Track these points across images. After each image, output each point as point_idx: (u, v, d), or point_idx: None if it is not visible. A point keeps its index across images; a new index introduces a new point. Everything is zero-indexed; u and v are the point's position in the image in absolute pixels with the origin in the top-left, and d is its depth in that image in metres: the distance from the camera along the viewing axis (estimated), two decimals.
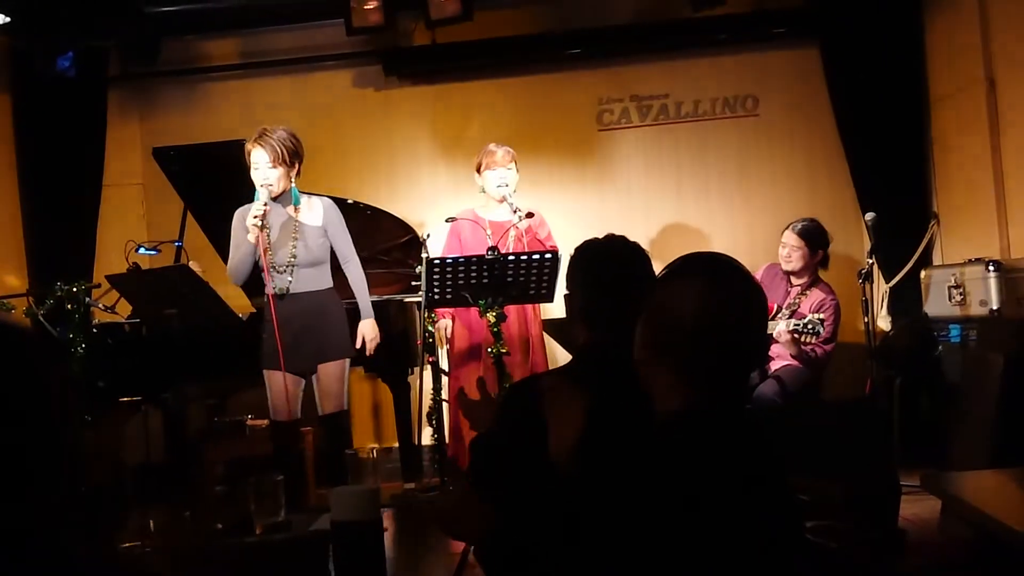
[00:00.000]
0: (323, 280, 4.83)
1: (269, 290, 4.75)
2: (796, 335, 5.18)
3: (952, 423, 4.89)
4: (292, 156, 4.72)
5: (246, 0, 5.86)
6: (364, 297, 4.89)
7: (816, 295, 5.49)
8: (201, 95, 7.09)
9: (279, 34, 7.02)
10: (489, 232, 5.30)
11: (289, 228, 4.77)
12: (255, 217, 4.62)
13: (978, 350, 4.96)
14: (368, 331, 4.88)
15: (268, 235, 4.75)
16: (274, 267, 4.73)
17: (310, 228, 4.79)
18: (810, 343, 5.25)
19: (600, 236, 2.70)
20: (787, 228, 5.60)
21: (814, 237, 5.53)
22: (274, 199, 4.72)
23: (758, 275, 5.61)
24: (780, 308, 5.47)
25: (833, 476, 3.69)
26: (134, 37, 6.49)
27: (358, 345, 4.86)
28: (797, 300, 5.51)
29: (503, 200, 5.24)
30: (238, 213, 4.78)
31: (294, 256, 4.74)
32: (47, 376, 1.40)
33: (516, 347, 5.23)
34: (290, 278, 4.72)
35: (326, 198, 4.92)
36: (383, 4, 6.18)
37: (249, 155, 4.72)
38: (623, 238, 2.67)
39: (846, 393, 6.01)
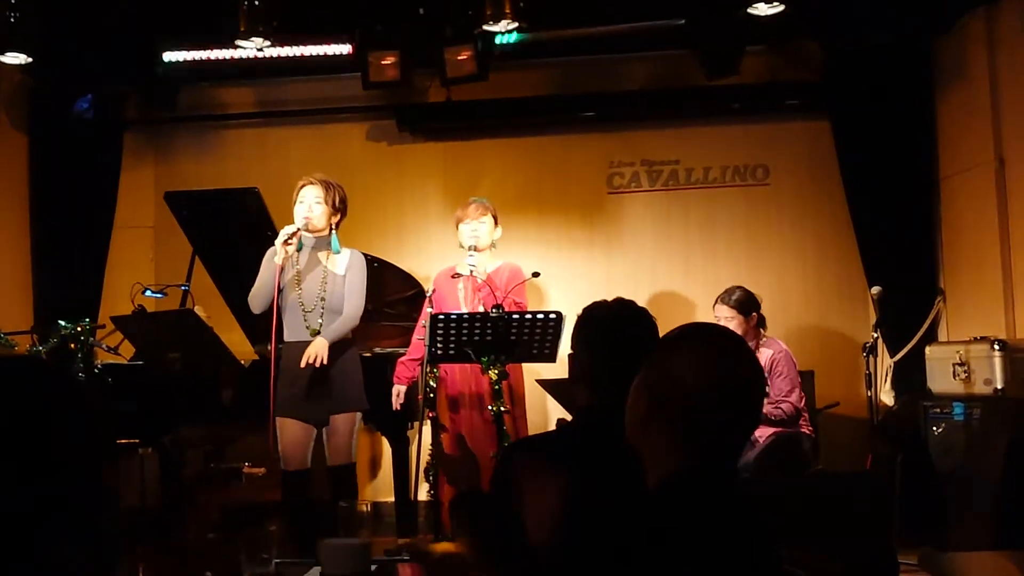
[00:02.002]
0: None
1: (290, 336, 4.78)
2: None
3: (954, 502, 4.85)
4: (340, 202, 4.89)
5: (264, 50, 5.91)
6: (338, 327, 4.77)
7: (764, 353, 5.54)
8: (216, 142, 7.16)
9: (295, 84, 7.10)
10: (461, 285, 5.32)
11: (319, 272, 4.82)
12: (285, 235, 4.69)
13: (981, 429, 4.93)
14: (316, 345, 4.68)
15: (297, 273, 4.78)
16: (302, 306, 4.76)
17: (336, 276, 4.84)
18: (780, 405, 5.30)
19: (608, 299, 2.71)
20: (717, 303, 5.63)
21: (746, 304, 5.59)
22: (308, 232, 4.80)
23: None
24: None
25: (830, 550, 3.64)
26: (153, 82, 6.57)
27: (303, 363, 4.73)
28: None
29: (471, 250, 5.23)
30: (271, 249, 4.83)
31: (323, 300, 4.77)
32: (95, 422, 1.43)
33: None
34: (321, 320, 4.75)
35: (356, 251, 4.97)
36: (400, 60, 6.24)
37: (299, 191, 4.84)
38: (631, 302, 2.68)
39: (847, 466, 5.96)
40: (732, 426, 1.83)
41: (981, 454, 4.57)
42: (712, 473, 1.80)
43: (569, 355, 2.70)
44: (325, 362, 4.68)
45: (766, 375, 5.45)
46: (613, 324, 2.61)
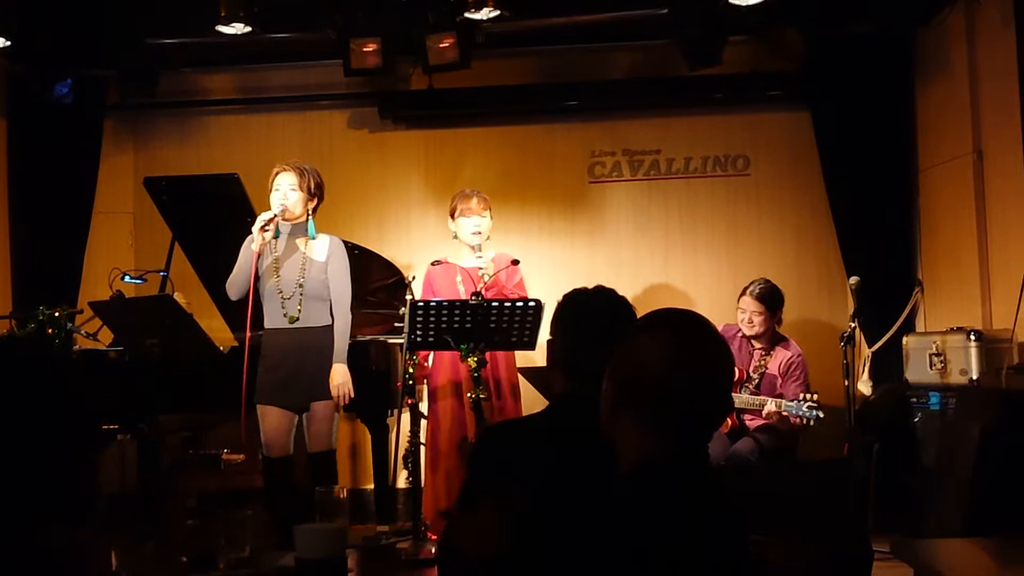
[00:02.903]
0: (324, 317, 4.85)
1: (270, 323, 4.80)
2: (788, 415, 5.22)
3: (928, 491, 4.89)
4: (316, 187, 4.88)
5: (246, 36, 5.89)
6: (342, 341, 4.84)
7: (781, 354, 5.54)
8: (197, 128, 7.13)
9: (277, 71, 7.08)
10: (460, 279, 5.32)
11: (297, 258, 4.82)
12: (262, 221, 4.68)
13: (956, 419, 4.97)
14: (337, 377, 4.79)
15: (276, 260, 4.79)
16: (281, 293, 4.76)
17: (315, 263, 4.83)
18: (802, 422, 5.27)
19: (589, 286, 2.72)
20: (744, 294, 5.61)
21: (773, 300, 5.58)
22: (285, 220, 4.80)
23: None
24: (748, 374, 5.52)
25: (805, 537, 3.67)
26: (133, 67, 6.53)
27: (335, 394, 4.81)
28: (763, 362, 5.55)
29: (475, 248, 5.25)
30: (249, 236, 4.82)
31: (301, 286, 4.77)
32: (83, 404, 1.44)
33: (490, 391, 5.22)
34: (299, 306, 4.76)
35: (335, 237, 4.96)
36: (382, 47, 6.22)
37: (274, 179, 4.84)
38: (611, 290, 2.69)
39: (824, 455, 6.00)
40: (699, 410, 1.85)
41: (956, 443, 4.61)
42: (682, 458, 1.81)
43: (548, 341, 2.71)
44: (352, 394, 4.81)
45: (778, 375, 5.45)
46: (591, 312, 2.62)
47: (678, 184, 6.88)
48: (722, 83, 6.63)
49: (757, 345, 5.60)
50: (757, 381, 5.49)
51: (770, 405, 5.27)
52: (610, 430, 1.89)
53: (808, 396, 5.23)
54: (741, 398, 5.40)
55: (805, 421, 5.21)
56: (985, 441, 4.28)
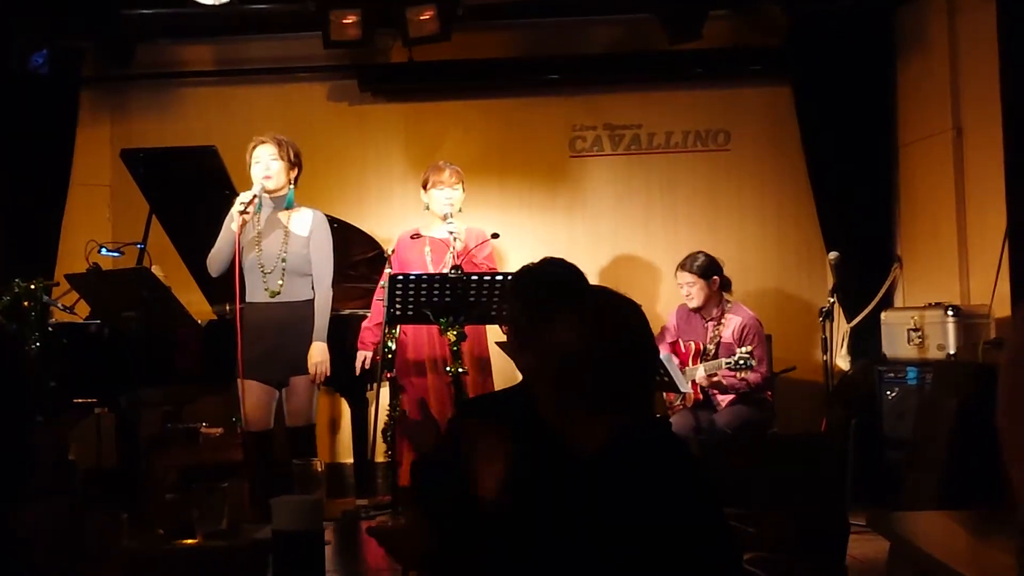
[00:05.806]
0: (305, 291, 4.83)
1: (251, 297, 4.77)
2: (731, 372, 5.29)
3: (905, 465, 4.93)
4: (295, 157, 4.86)
5: (224, 7, 5.83)
6: (322, 319, 4.81)
7: (733, 320, 5.59)
8: (174, 100, 7.05)
9: (255, 43, 7.00)
10: (428, 249, 5.31)
11: (279, 232, 4.78)
12: (242, 203, 4.64)
13: (933, 394, 5.00)
14: (316, 355, 4.77)
15: (258, 235, 4.75)
16: (262, 267, 4.72)
17: (297, 236, 4.80)
18: (745, 377, 5.32)
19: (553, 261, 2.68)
20: (679, 269, 5.68)
21: (706, 268, 5.62)
22: (267, 193, 4.76)
23: (672, 320, 5.74)
24: (705, 347, 5.56)
25: (784, 511, 3.70)
26: (110, 38, 6.45)
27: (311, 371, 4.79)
28: (716, 332, 5.59)
29: (445, 218, 5.24)
30: (231, 211, 4.78)
31: (283, 260, 4.73)
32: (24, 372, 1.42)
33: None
34: (281, 281, 4.73)
35: (318, 212, 4.93)
36: (362, 19, 6.16)
37: (253, 152, 4.80)
38: (560, 260, 2.65)
39: (802, 429, 6.04)
40: (637, 377, 1.85)
41: (932, 417, 4.64)
42: (644, 430, 1.81)
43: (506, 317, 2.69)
44: (328, 372, 4.78)
45: (733, 342, 5.47)
46: (544, 283, 2.56)
47: (659, 159, 6.87)
48: (703, 58, 6.61)
49: (708, 316, 5.65)
50: (714, 351, 5.53)
51: (701, 371, 5.35)
52: (559, 425, 1.88)
53: (739, 350, 5.29)
54: (694, 371, 5.46)
55: (747, 371, 5.26)
56: (961, 416, 4.31)
